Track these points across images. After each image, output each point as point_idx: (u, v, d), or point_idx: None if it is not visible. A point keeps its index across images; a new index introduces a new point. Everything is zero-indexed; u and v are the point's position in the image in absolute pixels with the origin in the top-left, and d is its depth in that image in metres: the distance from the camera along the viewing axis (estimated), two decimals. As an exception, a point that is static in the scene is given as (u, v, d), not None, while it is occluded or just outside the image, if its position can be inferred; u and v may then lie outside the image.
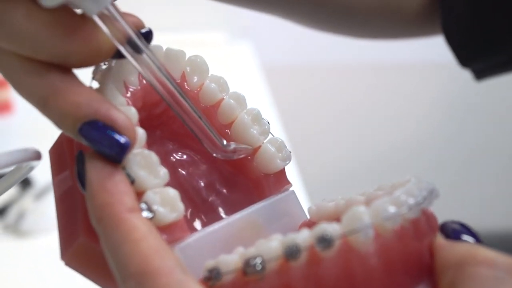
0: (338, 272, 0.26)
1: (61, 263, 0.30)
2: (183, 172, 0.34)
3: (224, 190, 0.35)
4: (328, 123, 1.83)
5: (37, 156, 0.32)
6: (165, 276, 0.25)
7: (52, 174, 0.32)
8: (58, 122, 0.27)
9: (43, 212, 0.92)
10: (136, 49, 0.28)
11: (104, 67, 0.31)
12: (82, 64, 0.28)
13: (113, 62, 0.30)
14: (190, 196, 0.33)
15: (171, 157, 0.34)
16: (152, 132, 0.33)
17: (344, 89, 1.83)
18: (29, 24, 0.26)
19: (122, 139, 0.27)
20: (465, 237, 0.28)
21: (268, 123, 0.34)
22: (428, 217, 0.29)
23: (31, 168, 0.33)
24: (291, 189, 0.35)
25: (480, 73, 0.62)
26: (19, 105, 1.27)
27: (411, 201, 0.27)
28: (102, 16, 0.27)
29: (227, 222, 0.31)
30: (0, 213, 0.93)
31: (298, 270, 0.26)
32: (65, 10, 0.27)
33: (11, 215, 0.92)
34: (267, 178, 0.34)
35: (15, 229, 0.91)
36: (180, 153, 0.35)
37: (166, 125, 0.35)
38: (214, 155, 0.32)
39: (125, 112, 0.28)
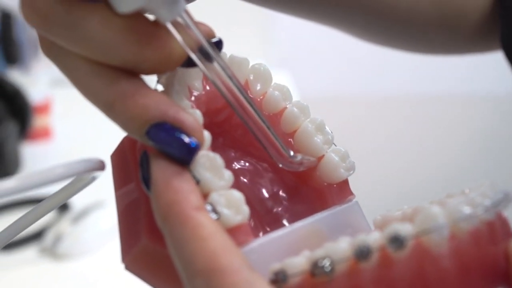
0: (410, 274, 0.25)
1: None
2: (245, 181, 0.34)
3: (287, 200, 0.34)
4: (366, 154, 1.81)
5: (101, 166, 0.32)
6: (234, 274, 0.24)
7: (113, 177, 0.32)
8: (124, 125, 0.27)
9: (80, 235, 0.93)
10: (207, 57, 0.28)
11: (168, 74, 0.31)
12: (153, 71, 0.28)
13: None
14: (252, 205, 0.33)
15: (233, 165, 0.34)
16: (214, 139, 0.33)
17: (383, 119, 1.81)
18: (104, 29, 0.26)
19: (191, 141, 0.27)
20: None
21: (332, 133, 0.34)
22: (503, 221, 0.28)
23: (94, 178, 0.33)
24: (354, 200, 0.34)
25: None
26: (58, 131, 1.29)
27: (487, 202, 0.26)
28: (175, 24, 0.27)
29: (291, 229, 0.30)
30: (37, 236, 0.93)
31: (369, 272, 0.25)
32: (139, 17, 0.27)
33: (48, 238, 0.92)
34: (330, 188, 0.33)
35: (52, 252, 0.92)
36: (242, 161, 0.35)
37: (228, 133, 0.35)
38: (280, 165, 0.32)
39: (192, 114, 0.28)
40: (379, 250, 0.25)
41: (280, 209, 0.34)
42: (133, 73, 0.27)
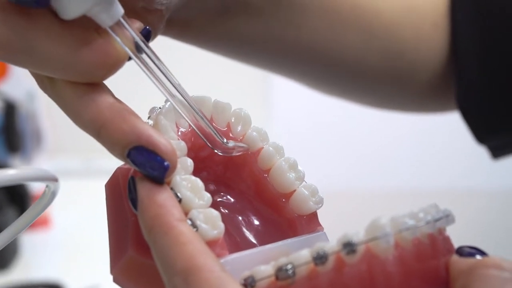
0: (361, 277, 0.28)
1: None
2: (224, 211, 0.37)
3: (261, 228, 0.37)
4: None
5: (53, 177, 0.36)
6: (207, 272, 0.28)
7: (106, 202, 0.35)
8: (110, 149, 0.31)
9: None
10: (138, 50, 0.31)
11: (158, 109, 0.35)
12: (106, 75, 0.31)
13: (167, 105, 0.34)
14: (229, 232, 0.36)
15: (214, 197, 0.37)
16: (198, 173, 0.36)
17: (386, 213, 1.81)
18: (52, 42, 0.29)
19: (163, 162, 0.30)
20: (479, 257, 0.31)
21: (304, 172, 0.37)
22: (445, 238, 0.32)
23: (53, 194, 0.38)
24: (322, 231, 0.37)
25: (497, 151, 0.62)
26: (57, 221, 1.31)
27: (428, 217, 0.30)
28: (113, 27, 0.30)
29: (263, 248, 0.34)
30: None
31: (325, 275, 0.28)
32: (79, 26, 0.30)
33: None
34: (301, 219, 0.37)
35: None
36: (222, 194, 0.38)
37: (211, 168, 0.38)
38: (216, 151, 0.35)
39: (175, 144, 0.32)
40: (334, 254, 0.28)
41: (254, 235, 0.37)
42: (112, 98, 0.31)
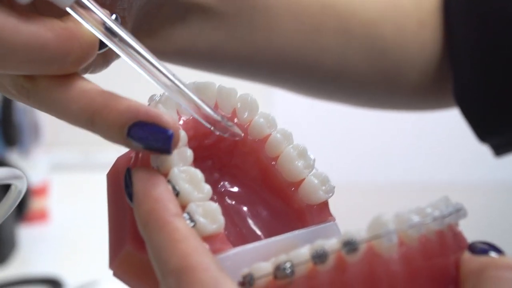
0: (363, 277, 0.27)
1: None
2: (229, 201, 0.36)
3: (269, 219, 0.36)
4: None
5: (20, 175, 0.36)
6: (202, 272, 0.26)
7: (107, 192, 0.34)
8: (107, 135, 0.30)
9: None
10: (112, 33, 0.30)
11: (158, 97, 0.34)
12: (79, 61, 0.30)
13: (167, 93, 0.33)
14: (235, 223, 0.35)
15: (219, 186, 0.36)
16: (203, 162, 0.35)
17: (389, 207, 1.81)
18: (11, 33, 0.28)
19: (166, 130, 0.29)
20: (492, 253, 0.29)
21: (314, 159, 0.36)
22: (455, 234, 0.30)
23: (20, 192, 0.37)
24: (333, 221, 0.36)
25: (499, 149, 0.61)
26: (55, 215, 1.30)
27: (436, 213, 0.28)
28: (75, 8, 0.29)
29: (268, 241, 0.33)
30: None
31: (325, 274, 0.27)
32: (40, 13, 0.29)
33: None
34: (310, 209, 0.35)
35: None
36: (228, 183, 0.37)
37: (216, 156, 0.37)
38: (215, 132, 0.34)
39: None
40: (334, 253, 0.27)
41: (261, 227, 0.36)
42: (96, 88, 0.30)
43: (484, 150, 0.64)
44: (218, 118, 0.33)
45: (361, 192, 1.78)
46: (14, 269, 1.09)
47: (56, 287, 1.02)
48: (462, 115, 0.59)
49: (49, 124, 1.36)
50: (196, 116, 0.33)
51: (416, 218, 0.27)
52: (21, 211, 1.20)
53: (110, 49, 0.32)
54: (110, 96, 0.30)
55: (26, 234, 1.22)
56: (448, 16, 0.57)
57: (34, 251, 1.20)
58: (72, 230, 1.25)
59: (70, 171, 1.51)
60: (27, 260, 1.16)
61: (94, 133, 0.30)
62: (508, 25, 0.55)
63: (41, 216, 1.28)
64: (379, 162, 1.71)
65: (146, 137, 0.29)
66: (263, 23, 0.48)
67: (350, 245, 0.27)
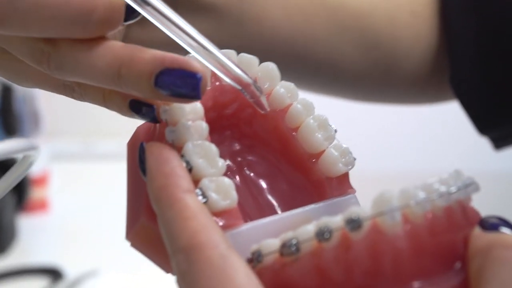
0: (368, 254, 0.26)
1: None
2: (248, 172, 0.36)
3: (287, 192, 0.36)
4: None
5: (33, 146, 0.36)
6: (210, 249, 0.26)
7: (127, 162, 0.34)
8: (135, 87, 0.30)
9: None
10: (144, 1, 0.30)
11: None
12: (105, 25, 0.30)
13: None
14: (253, 195, 0.35)
15: (238, 157, 0.36)
16: (221, 132, 0.35)
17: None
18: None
19: (194, 74, 0.29)
20: (504, 229, 0.28)
21: (335, 130, 0.35)
22: (465, 209, 0.29)
23: (31, 163, 0.37)
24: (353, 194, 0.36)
25: (498, 142, 0.60)
26: (55, 204, 1.30)
27: (443, 188, 0.28)
28: None
29: (282, 216, 0.32)
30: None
31: (330, 252, 0.27)
32: None
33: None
34: (330, 182, 0.35)
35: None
36: (247, 154, 0.37)
37: (236, 127, 0.36)
38: (242, 91, 0.33)
39: (189, 106, 0.31)
40: (339, 230, 0.27)
41: (279, 199, 0.35)
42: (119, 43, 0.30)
43: (485, 140, 0.63)
44: (250, 81, 0.33)
45: (358, 181, 1.78)
46: (14, 259, 1.09)
47: (56, 277, 1.02)
48: (460, 106, 0.58)
49: (49, 113, 1.36)
50: (228, 79, 0.32)
51: (421, 194, 0.27)
52: (21, 201, 1.20)
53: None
54: (135, 48, 0.30)
55: (26, 223, 1.22)
56: (444, 7, 0.56)
57: (34, 240, 1.20)
58: (72, 220, 1.25)
59: (70, 161, 1.51)
60: (27, 250, 1.16)
61: (121, 89, 0.30)
62: (508, 16, 0.54)
63: (41, 205, 1.27)
64: (380, 152, 1.70)
65: (174, 82, 0.29)
66: (253, 14, 0.48)
67: (354, 223, 0.26)
